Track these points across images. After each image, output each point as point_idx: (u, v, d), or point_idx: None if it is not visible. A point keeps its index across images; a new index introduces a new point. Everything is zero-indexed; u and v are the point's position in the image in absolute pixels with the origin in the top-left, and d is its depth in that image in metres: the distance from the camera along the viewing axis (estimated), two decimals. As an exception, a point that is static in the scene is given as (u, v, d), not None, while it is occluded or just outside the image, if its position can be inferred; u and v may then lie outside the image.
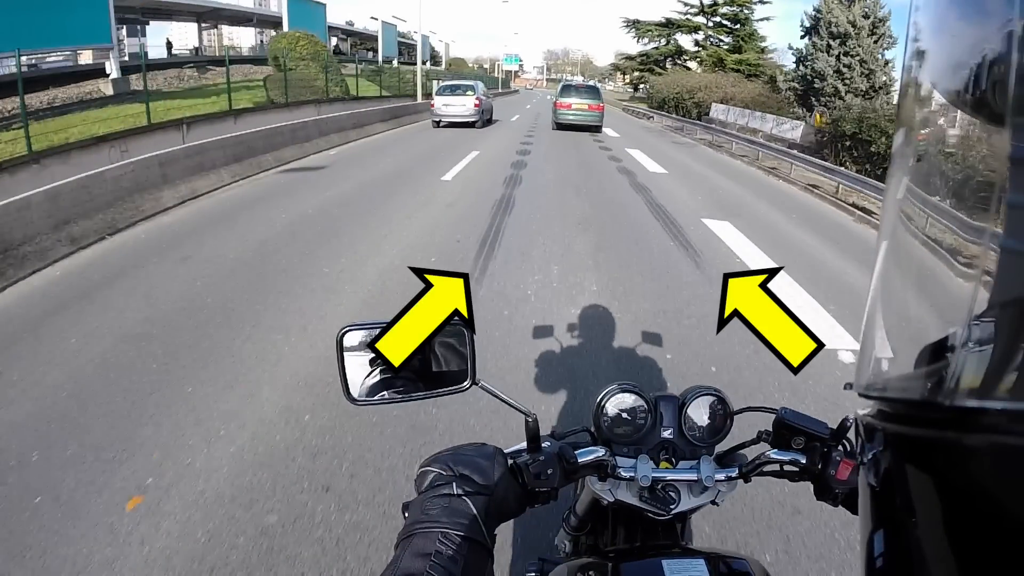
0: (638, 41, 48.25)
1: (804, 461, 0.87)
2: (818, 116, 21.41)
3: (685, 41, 45.61)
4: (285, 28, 25.85)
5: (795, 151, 14.23)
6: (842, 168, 11.77)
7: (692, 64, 45.23)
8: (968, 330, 0.27)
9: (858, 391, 0.43)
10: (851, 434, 0.83)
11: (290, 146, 10.64)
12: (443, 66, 58.05)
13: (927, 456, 0.32)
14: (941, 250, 0.32)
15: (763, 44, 41.86)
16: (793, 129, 18.41)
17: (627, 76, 54.67)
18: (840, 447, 0.86)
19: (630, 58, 49.59)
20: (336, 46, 44.38)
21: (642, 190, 9.69)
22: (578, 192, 9.16)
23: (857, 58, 24.65)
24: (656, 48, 46.21)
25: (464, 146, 13.88)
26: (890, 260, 0.41)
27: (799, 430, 0.87)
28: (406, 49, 53.33)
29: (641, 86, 51.34)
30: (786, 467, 0.89)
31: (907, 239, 0.38)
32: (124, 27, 34.84)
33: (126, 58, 19.25)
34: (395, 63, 38.76)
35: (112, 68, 16.00)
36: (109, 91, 15.37)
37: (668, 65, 46.47)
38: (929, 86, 0.36)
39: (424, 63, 51.07)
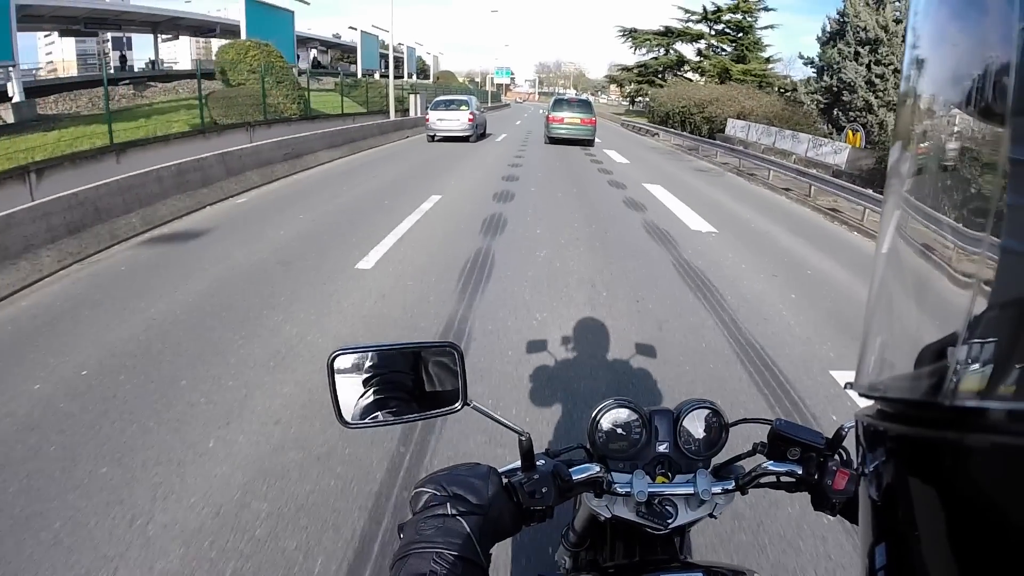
0: (635, 51, 45.12)
1: (800, 472, 0.86)
2: (851, 134, 18.19)
3: (686, 51, 42.38)
4: (243, 36, 22.46)
5: (845, 181, 10.87)
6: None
7: (693, 75, 42.12)
8: (968, 330, 0.27)
9: (859, 391, 0.42)
10: (847, 443, 0.83)
11: (174, 196, 7.31)
12: (431, 79, 54.81)
13: (928, 460, 0.31)
14: (941, 251, 0.32)
15: (767, 54, 38.70)
16: (836, 152, 15.04)
17: (624, 88, 51.24)
18: (836, 457, 0.84)
19: (627, 69, 46.42)
20: (315, 59, 41.07)
21: (703, 288, 5.43)
22: (594, 303, 4.82)
23: (891, 67, 21.41)
24: (655, 58, 42.89)
25: (422, 188, 10.32)
26: (890, 260, 0.41)
27: (794, 441, 0.87)
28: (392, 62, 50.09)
29: (639, 99, 48.11)
30: (783, 478, 0.88)
31: (907, 239, 0.38)
32: (109, 41, 31.63)
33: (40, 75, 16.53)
34: (377, 76, 35.31)
35: (14, 90, 13.54)
36: (10, 118, 13.06)
37: (668, 77, 43.28)
38: (929, 88, 0.36)
39: (410, 76, 47.97)
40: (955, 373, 0.28)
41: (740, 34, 38.80)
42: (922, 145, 0.37)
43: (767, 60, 39.57)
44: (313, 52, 40.98)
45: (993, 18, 0.27)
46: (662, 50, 42.93)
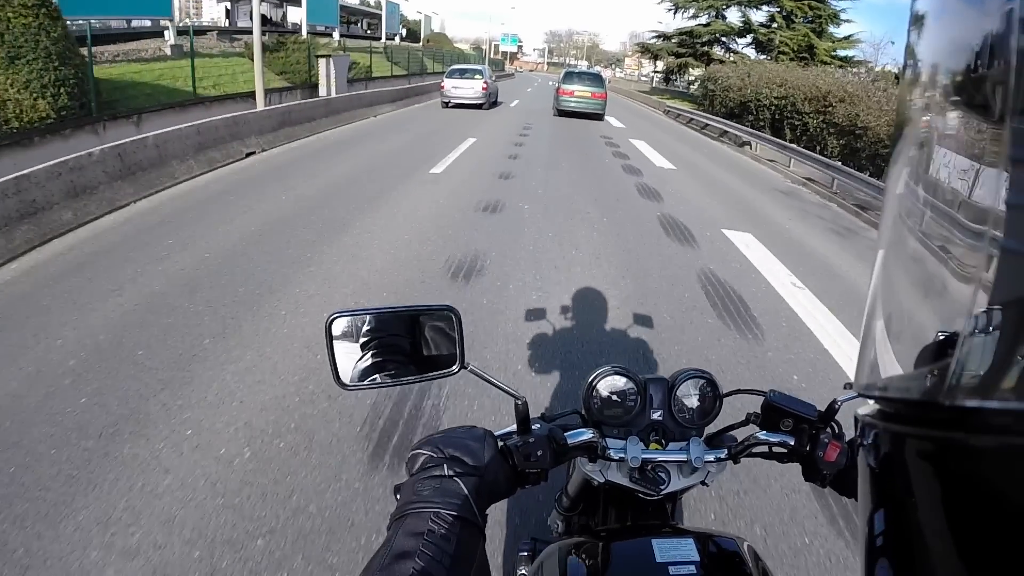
0: (674, 16, 34.68)
1: (793, 443, 0.89)
2: None
3: (734, 16, 32.10)
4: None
5: None
6: None
7: (749, 51, 31.97)
8: (968, 330, 0.27)
9: (858, 391, 0.44)
10: (839, 416, 0.87)
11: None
12: (420, 43, 44.32)
13: (928, 460, 0.32)
14: (941, 250, 0.33)
15: (846, 31, 28.77)
16: None
17: (658, 62, 40.61)
18: (828, 429, 0.87)
19: (665, 37, 35.84)
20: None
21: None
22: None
23: None
24: (706, 25, 32.21)
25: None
26: (890, 260, 0.41)
27: (787, 412, 0.89)
28: (368, 20, 39.41)
29: (677, 78, 37.54)
30: (775, 448, 0.91)
31: (907, 239, 0.39)
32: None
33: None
34: (336, 36, 25.56)
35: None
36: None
37: (716, 50, 32.86)
38: (928, 88, 0.37)
39: (392, 38, 37.64)
40: (955, 373, 0.28)
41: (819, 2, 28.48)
42: (922, 145, 0.37)
43: (847, 39, 29.37)
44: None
45: (993, 17, 0.27)
46: (712, 14, 32.17)
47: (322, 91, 16.54)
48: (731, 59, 31.51)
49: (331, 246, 5.12)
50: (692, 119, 21.94)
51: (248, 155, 9.20)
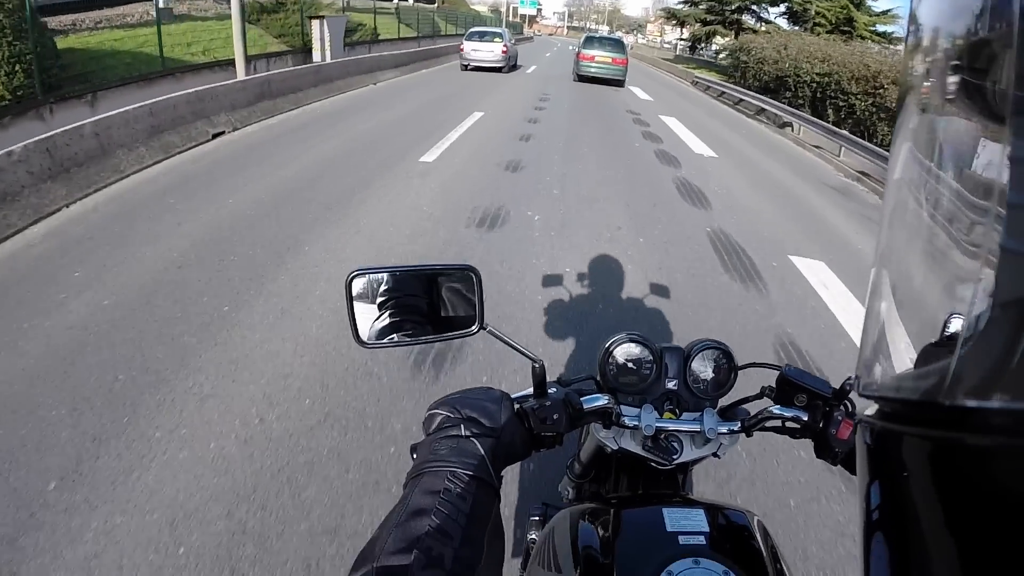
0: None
1: (806, 418, 0.88)
2: None
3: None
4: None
5: None
6: None
7: (781, 22, 29.93)
8: (968, 330, 0.28)
9: (858, 391, 0.43)
10: (853, 395, 0.79)
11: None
12: (435, 3, 42.29)
13: (928, 460, 0.32)
14: (941, 250, 0.33)
15: (885, 7, 26.73)
16: None
17: (684, 29, 38.33)
18: (842, 407, 0.87)
19: (693, 3, 33.48)
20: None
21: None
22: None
23: None
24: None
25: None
26: (890, 260, 0.41)
27: (802, 387, 0.89)
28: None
29: (704, 47, 35.36)
30: (788, 423, 0.90)
31: (907, 239, 0.39)
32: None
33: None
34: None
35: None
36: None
37: (748, 18, 30.82)
38: (928, 87, 0.37)
39: (404, -2, 35.71)
40: (955, 373, 0.28)
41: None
42: (921, 146, 0.37)
43: (884, 13, 27.33)
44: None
45: (993, 15, 0.27)
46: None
47: (316, 56, 14.85)
48: (763, 29, 29.41)
49: (250, 306, 3.51)
50: (723, 92, 19.93)
51: (215, 136, 7.71)
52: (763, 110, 16.14)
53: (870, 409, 0.39)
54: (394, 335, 0.83)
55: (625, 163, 7.98)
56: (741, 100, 18.02)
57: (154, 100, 7.05)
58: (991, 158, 0.27)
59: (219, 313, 3.35)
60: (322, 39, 14.66)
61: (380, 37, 22.09)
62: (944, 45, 0.34)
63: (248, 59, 12.35)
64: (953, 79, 0.32)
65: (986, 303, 0.26)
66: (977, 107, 0.29)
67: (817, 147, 12.28)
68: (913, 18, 0.38)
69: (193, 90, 7.86)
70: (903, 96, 0.39)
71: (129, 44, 11.72)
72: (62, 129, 5.59)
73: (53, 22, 11.97)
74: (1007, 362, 0.25)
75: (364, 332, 0.82)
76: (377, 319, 0.82)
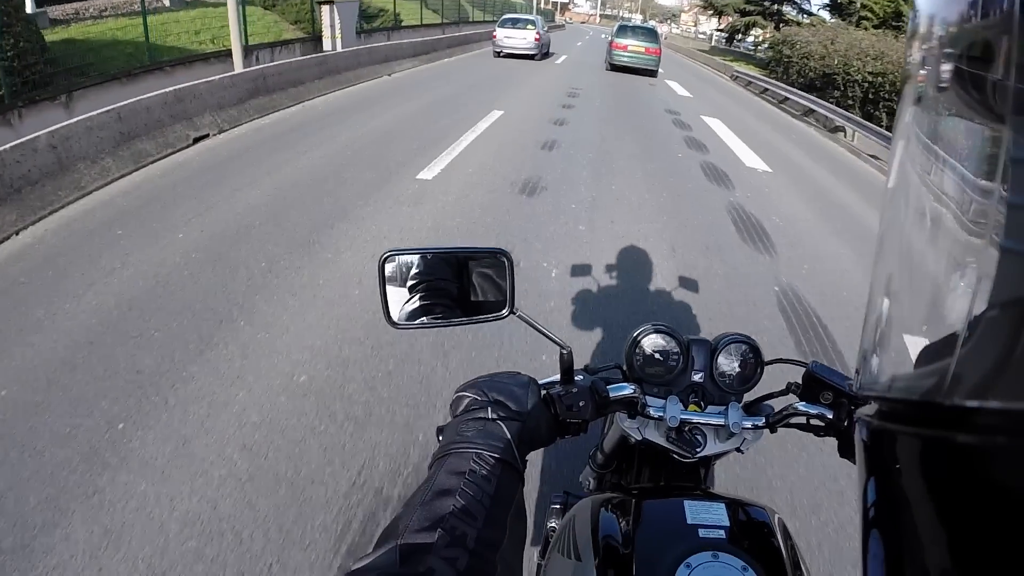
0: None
1: (831, 416, 0.87)
2: None
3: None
4: None
5: None
6: None
7: (823, 14, 28.46)
8: (968, 330, 0.27)
9: (858, 391, 0.43)
10: None
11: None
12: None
13: (928, 460, 0.32)
14: (941, 250, 0.33)
15: None
16: None
17: (721, 19, 36.66)
18: None
19: (733, -8, 31.90)
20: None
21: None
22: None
23: None
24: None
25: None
26: (890, 260, 0.41)
27: (828, 385, 0.88)
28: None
29: (742, 38, 33.78)
30: (812, 420, 0.89)
31: (907, 239, 0.39)
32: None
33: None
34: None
35: None
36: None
37: (789, 10, 29.34)
38: (927, 87, 0.37)
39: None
40: (955, 373, 0.28)
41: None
42: (921, 146, 0.37)
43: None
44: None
45: (993, 15, 0.27)
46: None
47: (326, 44, 13.78)
48: (806, 21, 27.77)
49: (157, 418, 2.60)
50: (766, 89, 18.43)
51: (197, 140, 6.75)
52: (811, 111, 14.77)
53: (869, 408, 0.39)
54: (424, 317, 0.83)
55: (667, 182, 6.71)
56: (786, 99, 16.52)
57: (123, 103, 6.09)
58: (990, 158, 0.27)
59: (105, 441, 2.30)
60: (332, 26, 13.57)
61: (402, 24, 21.03)
62: (944, 43, 0.34)
63: (249, 49, 11.37)
64: (953, 79, 0.31)
65: (986, 303, 0.26)
66: (977, 107, 0.29)
67: (874, 157, 10.96)
68: (915, 13, 0.38)
69: (171, 89, 6.87)
70: (903, 96, 0.39)
71: (132, 33, 10.77)
72: (11, 144, 4.69)
73: (55, 11, 11.18)
74: (1006, 362, 0.24)
75: (395, 314, 0.82)
76: (408, 301, 0.83)
